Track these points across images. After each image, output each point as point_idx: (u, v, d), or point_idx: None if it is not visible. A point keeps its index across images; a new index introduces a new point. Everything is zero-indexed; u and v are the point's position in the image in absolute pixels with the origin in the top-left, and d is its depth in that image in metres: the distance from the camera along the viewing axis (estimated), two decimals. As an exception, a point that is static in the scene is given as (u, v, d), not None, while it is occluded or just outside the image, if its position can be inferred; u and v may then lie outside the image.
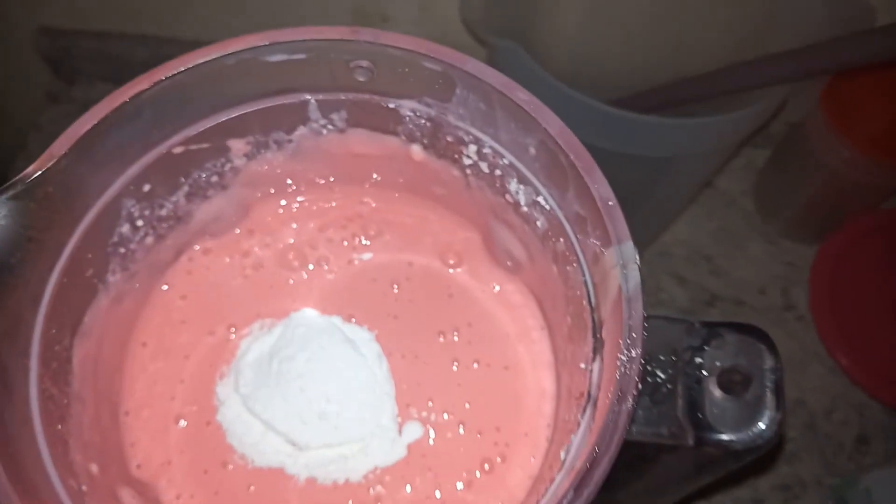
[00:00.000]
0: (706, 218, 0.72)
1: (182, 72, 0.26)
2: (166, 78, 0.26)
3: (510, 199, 0.28)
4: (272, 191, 0.33)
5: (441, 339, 0.31)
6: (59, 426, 0.25)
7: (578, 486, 0.19)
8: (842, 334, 0.64)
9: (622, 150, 0.47)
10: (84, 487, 0.24)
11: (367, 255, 0.32)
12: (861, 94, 0.56)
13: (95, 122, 0.24)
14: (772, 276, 0.69)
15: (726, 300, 0.68)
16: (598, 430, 0.21)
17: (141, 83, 0.25)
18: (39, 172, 0.24)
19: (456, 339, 0.31)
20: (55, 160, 0.24)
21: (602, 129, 0.45)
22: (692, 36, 0.57)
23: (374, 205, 0.34)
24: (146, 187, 0.28)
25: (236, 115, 0.28)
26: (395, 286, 0.32)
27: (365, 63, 0.26)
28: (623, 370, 0.21)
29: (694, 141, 0.47)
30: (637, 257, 0.22)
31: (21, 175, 0.24)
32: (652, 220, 0.62)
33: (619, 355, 0.21)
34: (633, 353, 0.21)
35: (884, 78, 0.55)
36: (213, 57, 0.26)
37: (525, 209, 0.28)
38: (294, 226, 0.33)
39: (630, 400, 0.20)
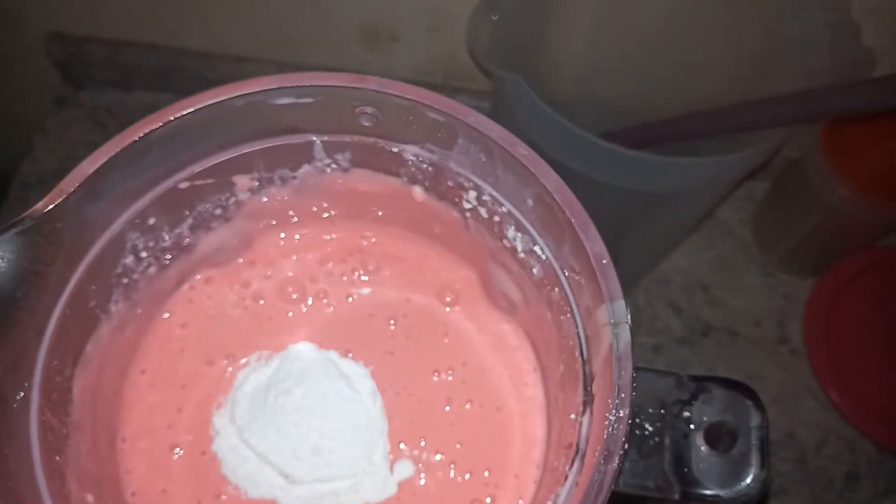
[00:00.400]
0: (704, 247, 0.72)
1: (192, 112, 0.26)
2: (176, 118, 0.26)
3: (508, 245, 0.29)
4: (274, 222, 0.33)
5: (435, 378, 0.31)
6: (58, 457, 0.25)
7: (562, 545, 0.20)
8: (834, 370, 0.64)
9: (620, 185, 0.47)
10: (79, 519, 0.25)
11: (366, 291, 0.33)
12: (860, 134, 0.57)
13: (105, 161, 0.25)
14: (768, 308, 0.69)
15: (721, 330, 0.69)
16: (584, 486, 0.21)
17: (151, 122, 0.26)
18: (49, 208, 0.24)
19: (450, 378, 0.31)
20: (64, 197, 0.25)
21: (601, 163, 0.46)
22: (697, 69, 0.57)
23: (374, 239, 0.34)
24: (151, 220, 0.29)
25: (243, 152, 0.29)
26: (392, 322, 0.32)
27: (370, 109, 0.27)
28: (611, 429, 0.21)
29: (692, 179, 0.48)
30: (629, 317, 0.23)
31: (30, 211, 0.24)
32: (650, 250, 0.63)
33: (608, 415, 0.21)
34: (622, 413, 0.21)
35: (884, 119, 0.55)
36: (223, 98, 0.26)
37: (522, 255, 0.29)
38: (294, 258, 0.34)
39: (616, 460, 0.21)
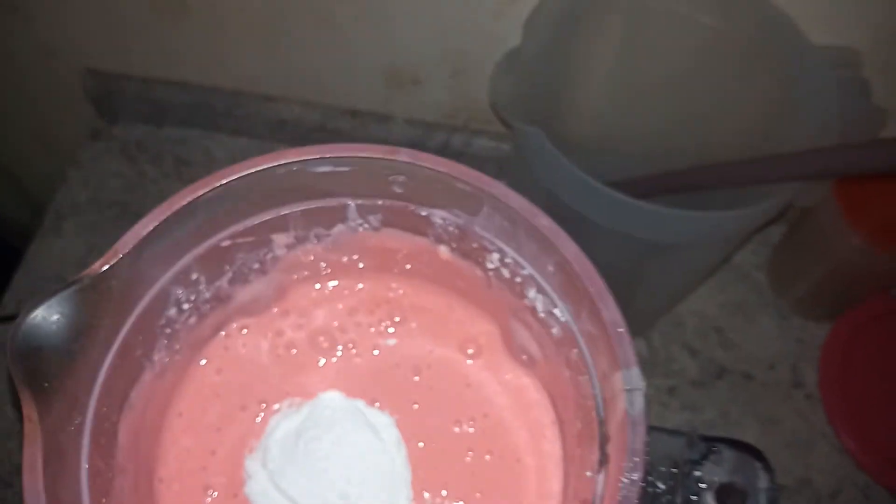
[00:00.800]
0: (718, 290, 0.73)
1: (236, 178, 0.28)
2: (221, 184, 0.28)
3: (528, 304, 0.31)
4: (307, 274, 0.35)
5: (457, 429, 0.33)
6: (104, 500, 0.27)
7: None
8: (849, 416, 0.65)
9: (635, 235, 0.49)
10: (123, 560, 0.26)
11: (392, 342, 0.35)
12: (873, 184, 0.58)
13: (157, 224, 0.27)
14: (782, 352, 0.70)
15: (735, 374, 0.69)
16: (598, 544, 0.23)
17: (199, 188, 0.28)
18: (105, 268, 0.26)
19: (471, 430, 0.33)
20: (119, 258, 0.26)
21: (616, 213, 0.47)
22: (712, 121, 0.59)
23: (401, 291, 0.36)
24: (194, 276, 0.31)
25: (282, 213, 0.31)
26: (417, 374, 0.34)
27: (401, 178, 0.29)
28: (625, 493, 0.23)
29: (705, 230, 0.49)
30: (643, 384, 0.24)
31: (88, 271, 0.26)
32: (666, 296, 0.64)
33: (622, 478, 0.23)
34: (635, 477, 0.23)
35: (896, 173, 0.56)
36: (266, 167, 0.28)
37: (542, 315, 0.30)
38: (326, 308, 0.35)
39: (629, 521, 0.22)
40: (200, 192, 0.28)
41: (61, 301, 0.25)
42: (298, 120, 0.71)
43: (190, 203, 0.28)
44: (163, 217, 0.27)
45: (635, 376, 0.24)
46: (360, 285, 0.36)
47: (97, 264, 0.26)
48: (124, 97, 0.82)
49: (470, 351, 0.34)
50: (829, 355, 0.67)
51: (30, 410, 0.24)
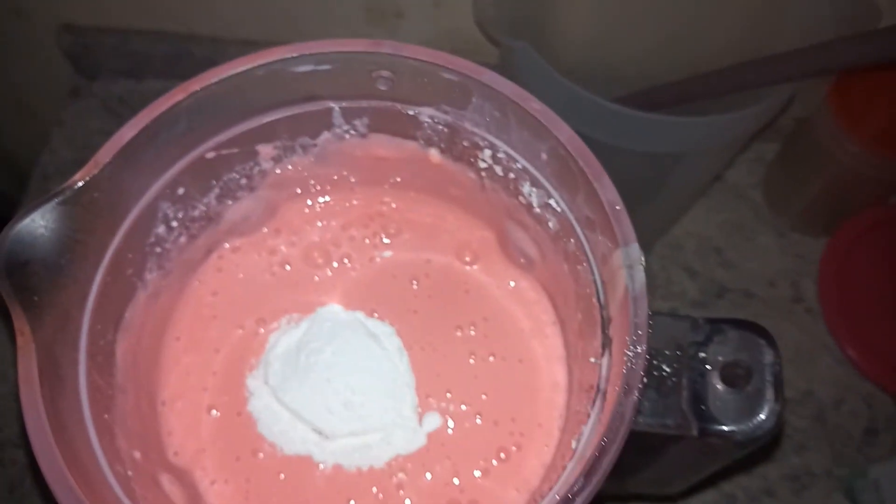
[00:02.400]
0: (716, 211, 0.72)
1: (216, 83, 0.27)
2: (201, 89, 0.27)
3: (523, 201, 0.30)
4: (298, 191, 0.34)
5: (458, 333, 0.32)
6: (106, 415, 0.27)
7: (588, 474, 0.21)
8: (850, 326, 0.65)
9: (631, 147, 0.48)
10: (130, 472, 0.26)
11: (388, 253, 0.34)
12: (868, 89, 0.57)
13: (137, 132, 0.26)
14: (781, 268, 0.70)
15: (736, 292, 0.69)
16: (606, 420, 0.22)
17: (178, 94, 0.27)
18: (86, 179, 0.25)
19: (472, 333, 0.32)
20: (100, 168, 0.26)
21: (611, 126, 0.46)
22: (701, 33, 0.58)
23: (394, 205, 0.35)
24: (180, 190, 0.30)
25: (265, 121, 0.30)
26: (415, 282, 0.33)
27: (386, 73, 0.28)
28: (629, 365, 0.22)
29: (702, 138, 0.48)
30: (643, 259, 0.24)
31: (69, 182, 0.25)
32: (662, 214, 0.64)
33: (626, 351, 0.22)
34: (639, 350, 0.22)
35: (891, 74, 0.56)
36: (245, 68, 0.27)
37: (538, 210, 0.30)
38: (319, 225, 0.35)
39: (636, 393, 0.22)
40: (180, 98, 0.27)
41: (44, 214, 0.25)
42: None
43: (170, 110, 0.27)
44: (143, 125, 0.26)
45: (634, 252, 0.24)
46: (352, 202, 0.35)
47: (78, 175, 0.25)
48: (102, 51, 0.80)
49: (467, 258, 0.34)
50: (828, 267, 0.67)
51: (21, 324, 0.24)
